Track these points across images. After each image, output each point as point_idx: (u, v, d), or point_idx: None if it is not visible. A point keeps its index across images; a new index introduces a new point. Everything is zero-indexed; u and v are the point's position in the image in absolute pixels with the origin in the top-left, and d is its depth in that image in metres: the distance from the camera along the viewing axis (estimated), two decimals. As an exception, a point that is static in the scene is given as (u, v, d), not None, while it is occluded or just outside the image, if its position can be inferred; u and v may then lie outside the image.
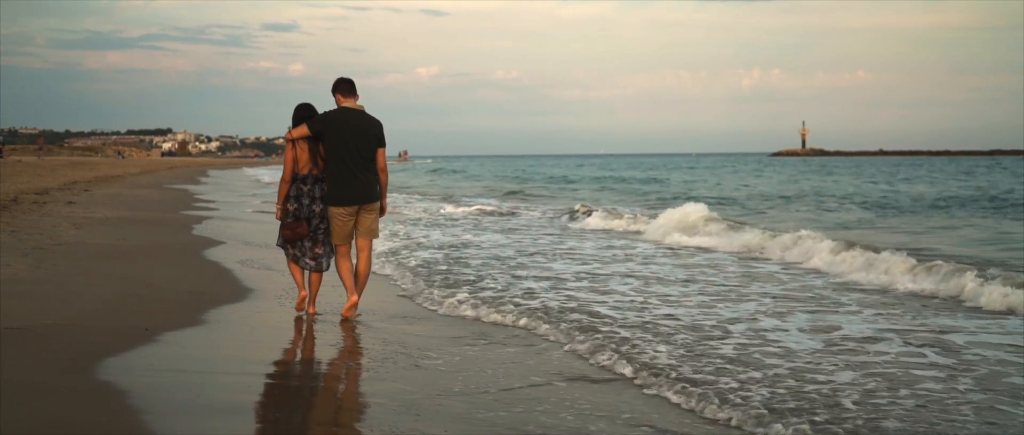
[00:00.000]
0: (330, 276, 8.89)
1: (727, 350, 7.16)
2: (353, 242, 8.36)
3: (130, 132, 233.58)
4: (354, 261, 8.42)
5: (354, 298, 8.27)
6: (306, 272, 8.37)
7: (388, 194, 8.63)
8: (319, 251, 8.26)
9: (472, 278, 11.12)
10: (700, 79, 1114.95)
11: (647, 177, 61.00)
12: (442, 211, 24.86)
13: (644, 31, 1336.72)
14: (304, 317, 8.29)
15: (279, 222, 8.32)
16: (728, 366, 6.63)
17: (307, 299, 8.37)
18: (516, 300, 9.47)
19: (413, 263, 12.57)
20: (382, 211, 8.45)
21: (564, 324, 8.19)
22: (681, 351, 7.12)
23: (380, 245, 14.09)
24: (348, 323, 8.10)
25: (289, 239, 8.19)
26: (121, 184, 33.02)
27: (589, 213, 22.10)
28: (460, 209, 25.56)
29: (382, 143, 8.25)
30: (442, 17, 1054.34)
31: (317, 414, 5.45)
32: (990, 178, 51.48)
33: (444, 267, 12.18)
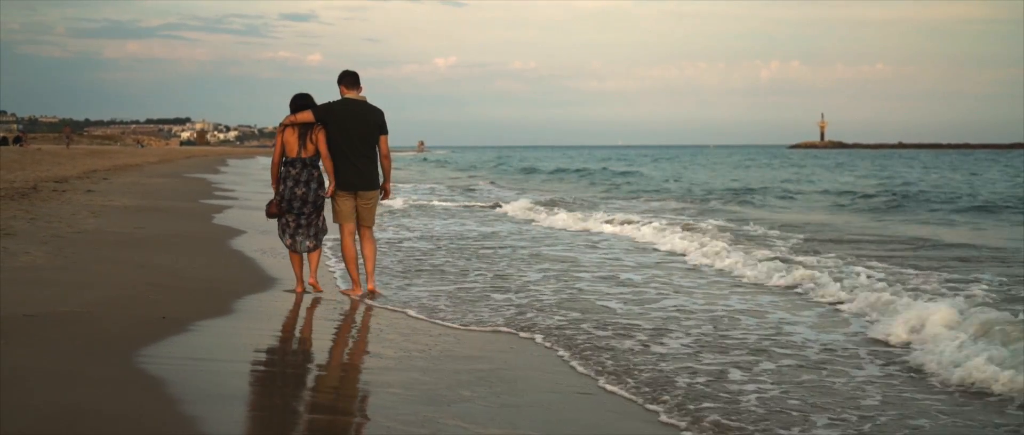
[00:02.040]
0: (334, 265, 8.92)
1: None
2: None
3: (149, 121, 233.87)
4: (358, 248, 8.95)
5: (358, 291, 8.84)
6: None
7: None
8: (300, 233, 8.76)
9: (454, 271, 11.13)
10: (718, 70, 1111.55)
11: (621, 170, 59.28)
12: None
13: (662, 22, 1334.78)
14: (309, 290, 8.82)
15: None
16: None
17: (304, 288, 8.87)
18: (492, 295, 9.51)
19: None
20: (385, 193, 9.01)
21: (557, 316, 8.19)
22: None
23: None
24: (366, 312, 8.16)
25: (269, 215, 8.82)
26: (140, 173, 33.12)
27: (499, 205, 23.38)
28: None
29: (384, 130, 8.78)
30: (460, 7, 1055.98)
31: (335, 402, 5.41)
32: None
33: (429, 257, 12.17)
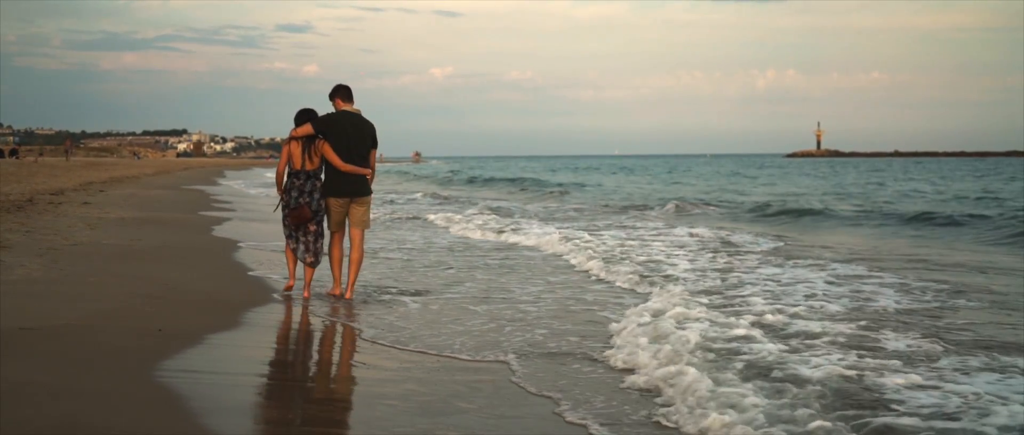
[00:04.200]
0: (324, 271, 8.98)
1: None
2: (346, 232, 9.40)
3: (145, 133, 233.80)
4: (346, 250, 9.35)
5: (337, 290, 9.26)
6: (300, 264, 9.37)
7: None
8: (302, 243, 9.26)
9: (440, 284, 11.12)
10: (714, 80, 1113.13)
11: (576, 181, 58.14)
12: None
13: (658, 31, 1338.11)
14: (293, 296, 9.21)
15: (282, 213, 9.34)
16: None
17: (294, 286, 9.34)
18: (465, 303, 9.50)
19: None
20: None
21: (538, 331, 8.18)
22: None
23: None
24: (361, 325, 8.12)
25: (294, 225, 9.20)
26: (136, 184, 33.12)
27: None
28: None
29: (375, 144, 9.31)
30: (456, 18, 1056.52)
31: (331, 415, 5.41)
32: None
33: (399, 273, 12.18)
